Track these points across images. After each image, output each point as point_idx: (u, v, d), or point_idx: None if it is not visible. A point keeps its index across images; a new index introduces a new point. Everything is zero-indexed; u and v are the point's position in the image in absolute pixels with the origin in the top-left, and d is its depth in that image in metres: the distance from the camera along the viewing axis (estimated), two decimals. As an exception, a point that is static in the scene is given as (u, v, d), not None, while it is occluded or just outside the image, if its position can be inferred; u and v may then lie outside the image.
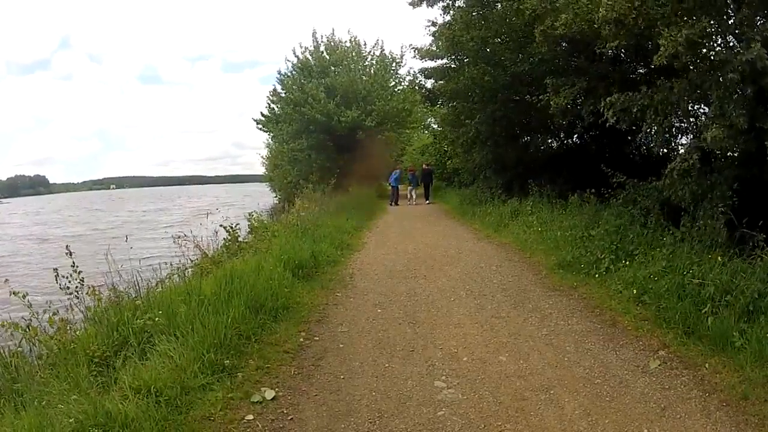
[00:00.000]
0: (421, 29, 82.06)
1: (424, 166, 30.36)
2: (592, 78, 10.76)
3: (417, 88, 22.95)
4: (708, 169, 7.47)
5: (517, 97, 14.23)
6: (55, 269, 5.91)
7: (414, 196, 28.26)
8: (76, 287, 5.87)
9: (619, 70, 10.91)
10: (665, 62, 6.76)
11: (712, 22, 6.96)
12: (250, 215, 12.87)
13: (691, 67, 7.13)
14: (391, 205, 26.45)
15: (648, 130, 8.10)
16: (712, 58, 7.20)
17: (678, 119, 8.37)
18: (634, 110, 7.56)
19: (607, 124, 8.16)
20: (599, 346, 5.58)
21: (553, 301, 7.35)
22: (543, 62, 12.52)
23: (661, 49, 6.68)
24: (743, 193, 7.05)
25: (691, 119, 8.24)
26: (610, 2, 6.87)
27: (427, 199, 27.75)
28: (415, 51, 17.92)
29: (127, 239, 9.34)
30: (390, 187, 28.06)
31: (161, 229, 21.69)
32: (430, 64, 18.86)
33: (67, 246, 6.18)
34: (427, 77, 19.78)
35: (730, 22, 7.21)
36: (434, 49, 17.03)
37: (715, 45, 7.29)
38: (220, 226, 10.03)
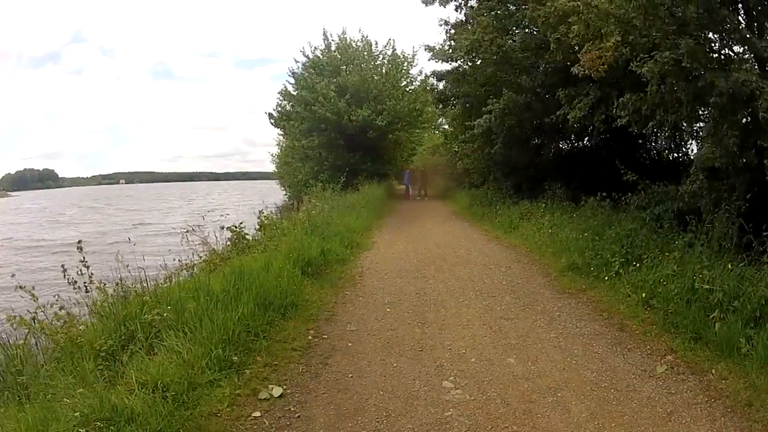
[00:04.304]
0: (433, 28, 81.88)
1: (422, 168, 34.71)
2: (604, 85, 10.71)
3: (429, 89, 22.91)
4: (725, 175, 7.41)
5: (530, 100, 14.13)
6: (63, 265, 5.95)
7: (417, 194, 32.22)
8: (85, 283, 5.92)
9: (631, 77, 10.85)
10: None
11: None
12: (261, 213, 12.82)
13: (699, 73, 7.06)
14: (409, 199, 31.04)
15: (657, 132, 8.07)
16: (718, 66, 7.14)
17: (685, 121, 8.31)
18: (644, 108, 7.53)
19: (619, 123, 8.11)
20: (607, 350, 5.58)
21: (562, 303, 7.35)
22: (556, 71, 12.48)
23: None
24: (754, 199, 7.00)
25: (700, 123, 8.17)
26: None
27: (418, 194, 32.04)
28: (430, 51, 17.89)
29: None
30: (404, 186, 33.27)
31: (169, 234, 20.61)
32: (443, 66, 18.85)
33: (79, 241, 6.23)
34: (439, 80, 19.73)
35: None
36: (447, 49, 16.99)
37: (720, 56, 7.21)
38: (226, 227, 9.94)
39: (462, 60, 16.65)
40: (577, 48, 8.36)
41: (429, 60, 17.78)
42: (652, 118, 7.67)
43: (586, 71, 7.38)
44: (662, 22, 6.71)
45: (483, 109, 14.88)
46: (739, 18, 7.25)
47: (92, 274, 6.00)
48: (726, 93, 6.38)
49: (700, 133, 8.10)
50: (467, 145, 18.60)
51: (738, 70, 6.31)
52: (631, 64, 7.24)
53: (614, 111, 8.04)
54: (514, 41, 13.55)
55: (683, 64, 6.47)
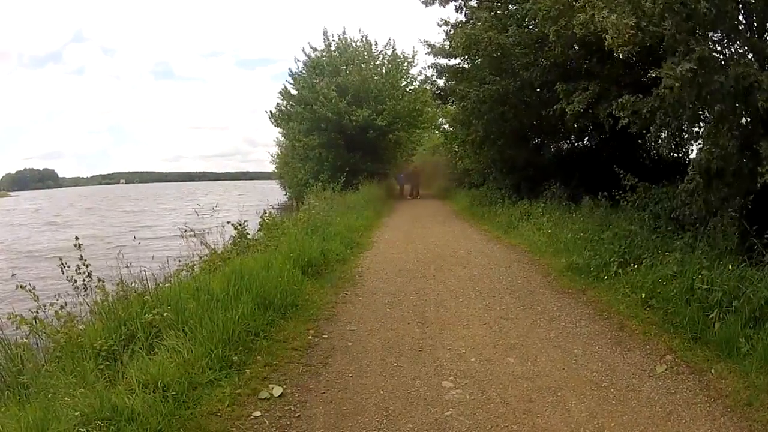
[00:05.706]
0: (433, 28, 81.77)
1: (414, 168, 36.57)
2: (604, 81, 10.70)
3: (429, 85, 22.93)
4: (720, 183, 7.38)
5: (528, 99, 14.12)
6: (60, 258, 5.96)
7: (417, 193, 33.27)
8: (84, 281, 5.92)
9: (632, 74, 10.83)
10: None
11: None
12: (264, 212, 12.79)
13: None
14: (403, 194, 33.46)
15: (657, 134, 8.02)
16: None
17: (687, 124, 8.26)
18: (644, 111, 7.49)
19: (619, 126, 8.08)
20: (607, 350, 5.58)
21: (561, 303, 7.35)
22: (555, 66, 12.47)
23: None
24: (756, 200, 6.99)
25: (701, 124, 8.13)
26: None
27: (416, 195, 33.10)
28: (429, 47, 17.93)
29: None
30: (398, 185, 34.82)
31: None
32: (442, 61, 18.89)
33: (76, 237, 6.21)
34: (439, 74, 19.74)
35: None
36: (447, 47, 17.02)
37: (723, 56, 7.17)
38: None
39: (461, 58, 16.66)
40: (577, 47, 8.32)
41: (426, 54, 17.82)
42: (652, 120, 7.64)
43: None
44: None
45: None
46: (740, 18, 7.22)
47: (91, 271, 5.99)
48: (726, 90, 6.36)
49: (701, 135, 8.04)
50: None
51: (737, 65, 6.27)
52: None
53: (614, 111, 7.98)
54: (511, 39, 13.52)
55: (694, 68, 6.43)
